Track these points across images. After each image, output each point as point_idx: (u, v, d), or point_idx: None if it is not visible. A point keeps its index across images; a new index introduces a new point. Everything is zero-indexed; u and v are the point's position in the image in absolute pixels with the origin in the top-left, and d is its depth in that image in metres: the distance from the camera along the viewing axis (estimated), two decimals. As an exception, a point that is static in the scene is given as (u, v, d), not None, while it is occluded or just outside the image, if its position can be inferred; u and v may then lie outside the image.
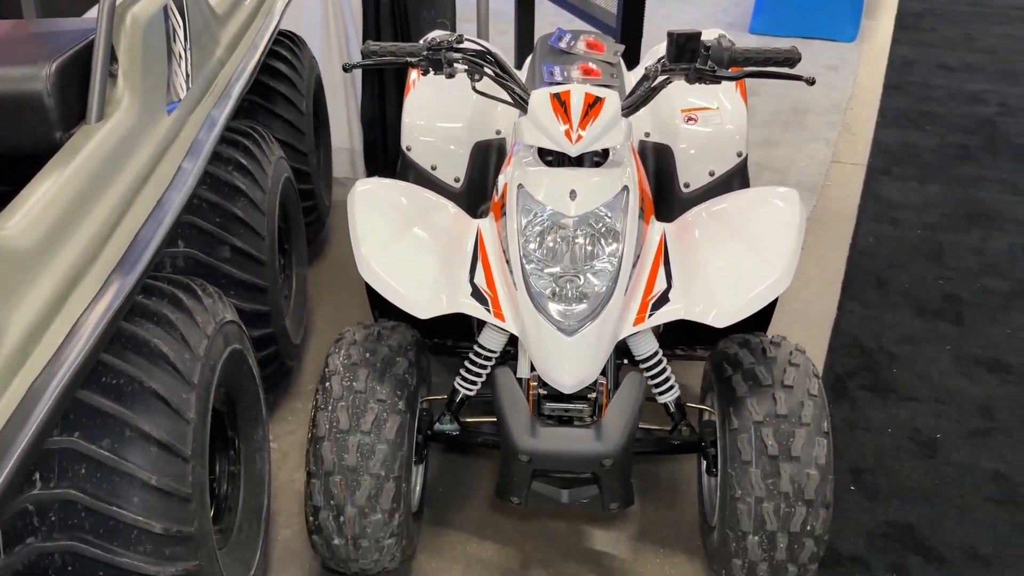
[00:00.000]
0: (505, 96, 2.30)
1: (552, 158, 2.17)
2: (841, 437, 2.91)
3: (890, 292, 3.70)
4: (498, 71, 2.27)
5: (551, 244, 2.06)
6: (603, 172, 2.11)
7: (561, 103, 2.10)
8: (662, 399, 2.29)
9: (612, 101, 2.11)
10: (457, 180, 3.05)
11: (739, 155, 2.99)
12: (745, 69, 2.17)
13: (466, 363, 2.32)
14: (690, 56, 2.15)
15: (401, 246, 2.15)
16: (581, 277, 2.04)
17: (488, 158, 3.09)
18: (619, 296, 2.04)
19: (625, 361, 2.40)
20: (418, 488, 2.45)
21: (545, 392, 2.04)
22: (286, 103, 3.43)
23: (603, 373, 2.09)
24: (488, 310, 2.10)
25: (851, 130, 5.23)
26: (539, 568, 2.46)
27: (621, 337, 2.07)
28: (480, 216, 3.08)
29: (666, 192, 3.04)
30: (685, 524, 2.58)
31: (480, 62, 2.25)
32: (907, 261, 3.92)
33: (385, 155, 4.28)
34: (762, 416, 2.10)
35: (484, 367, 2.30)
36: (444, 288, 2.10)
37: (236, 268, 2.62)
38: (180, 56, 2.33)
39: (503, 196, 2.23)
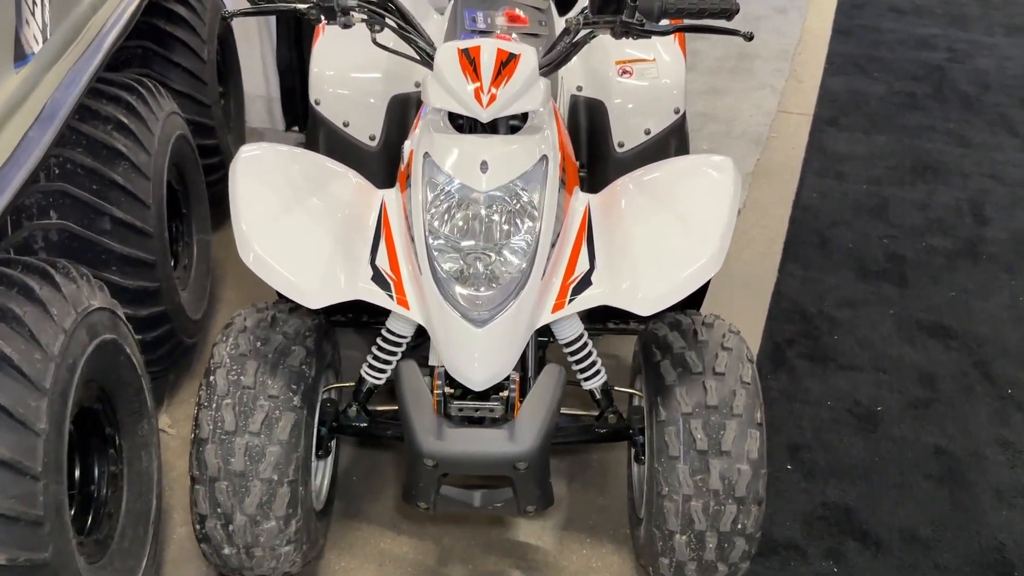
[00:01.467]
0: (410, 51, 2.05)
1: (463, 123, 1.93)
2: (778, 410, 2.78)
3: (833, 252, 3.56)
4: (400, 22, 2.01)
5: (460, 222, 1.84)
6: (519, 140, 1.89)
7: (470, 60, 1.86)
8: (587, 385, 2.11)
9: (528, 59, 1.87)
10: (373, 138, 2.79)
11: (676, 112, 2.78)
12: (677, 23, 1.94)
13: (374, 349, 2.11)
14: (616, 7, 1.92)
15: (290, 223, 1.90)
16: (492, 257, 1.83)
17: (407, 114, 2.83)
18: (536, 280, 1.83)
19: (549, 339, 2.20)
20: (324, 484, 2.26)
21: (453, 389, 1.84)
22: (184, 49, 3.12)
23: (519, 365, 1.90)
24: (391, 296, 1.88)
25: (798, 77, 5.04)
26: (458, 564, 2.29)
27: (539, 326, 1.87)
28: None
29: (600, 152, 2.82)
30: (614, 511, 2.43)
31: (380, 11, 1.99)
32: (851, 218, 3.78)
33: (304, 104, 3.97)
34: (691, 407, 1.93)
35: (394, 354, 2.09)
36: (340, 272, 1.87)
37: (118, 242, 2.36)
38: (34, 2, 2.02)
39: (408, 165, 2.00)
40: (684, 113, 2.81)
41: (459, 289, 1.80)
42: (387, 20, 2.01)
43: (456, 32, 2.65)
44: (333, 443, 2.25)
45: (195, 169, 2.91)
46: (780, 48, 5.36)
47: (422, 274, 1.83)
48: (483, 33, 2.62)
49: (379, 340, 2.09)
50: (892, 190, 3.98)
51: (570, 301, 1.87)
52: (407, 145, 2.09)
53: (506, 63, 1.86)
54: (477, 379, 1.78)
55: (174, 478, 2.50)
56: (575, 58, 2.96)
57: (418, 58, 2.02)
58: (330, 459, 2.28)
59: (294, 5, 1.99)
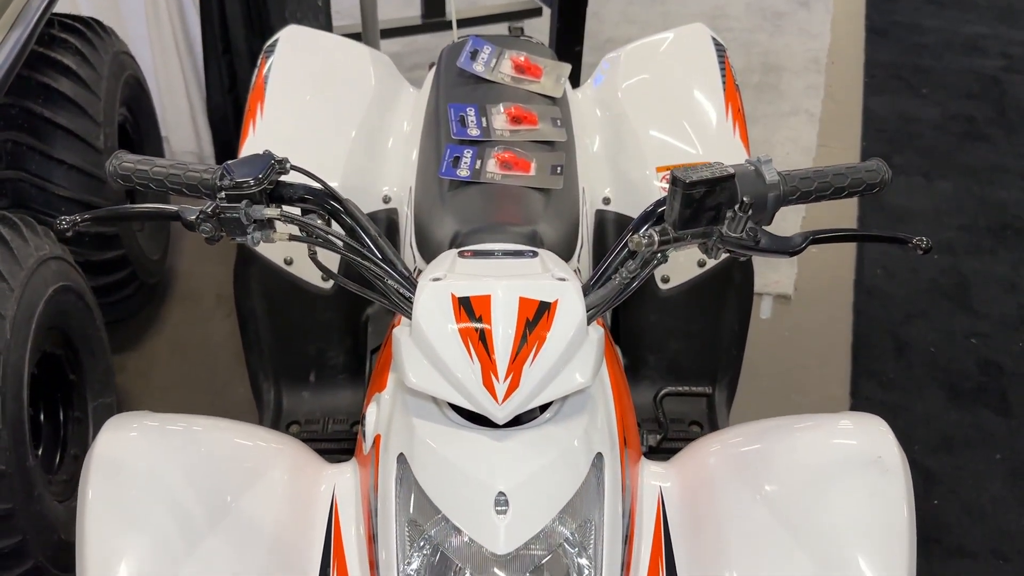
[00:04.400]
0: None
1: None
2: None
3: (913, 363, 2.86)
4: (354, 242, 1.24)
5: (461, 592, 1.10)
6: (555, 438, 1.14)
7: (474, 318, 1.10)
8: None
9: (570, 305, 1.12)
10: (325, 279, 2.03)
11: (741, 237, 2.04)
12: (811, 234, 1.19)
13: None
14: (712, 216, 1.16)
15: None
16: None
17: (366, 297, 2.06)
18: None
19: None
20: None
21: None
22: (70, 141, 2.32)
23: None
24: None
25: (835, 97, 4.28)
26: None
27: None
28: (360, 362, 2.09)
29: (638, 289, 2.08)
30: None
31: (314, 224, 1.22)
32: (927, 307, 3.07)
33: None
34: None
35: None
36: None
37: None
38: None
39: (374, 454, 1.24)
40: (751, 237, 2.07)
41: None
42: (332, 237, 1.24)
43: (439, 140, 1.88)
44: None
45: (86, 321, 2.13)
46: (810, 55, 4.58)
47: None
48: (476, 143, 1.85)
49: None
50: (970, 262, 3.27)
51: None
52: (370, 416, 1.32)
53: (534, 321, 1.10)
54: None
55: None
56: (597, 149, 2.20)
57: (385, 300, 1.25)
58: None
59: (172, 208, 1.22)
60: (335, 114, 2.03)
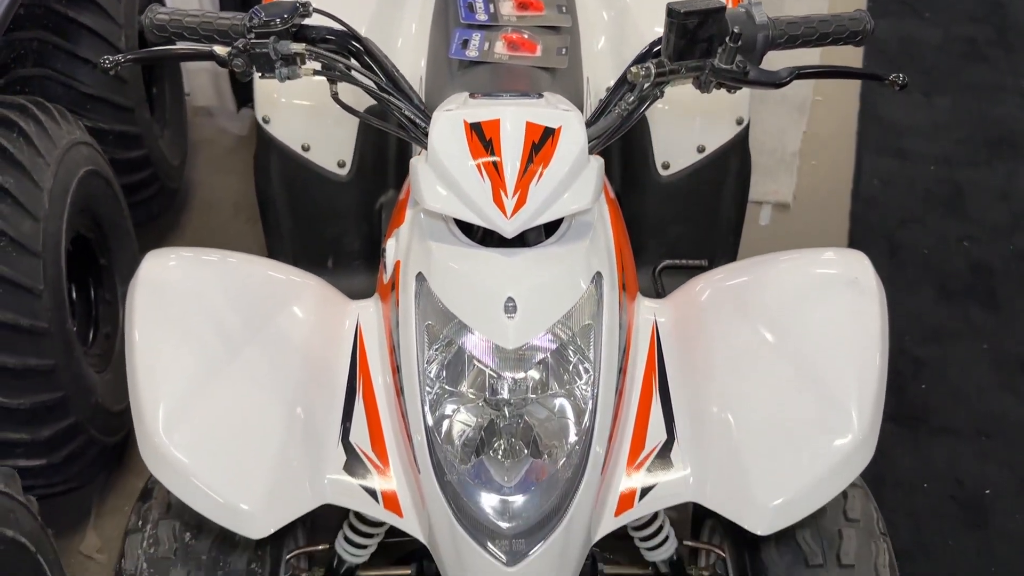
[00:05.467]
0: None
1: (476, 227, 1.29)
2: (865, 499, 2.23)
3: (907, 263, 2.95)
4: (372, 74, 1.34)
5: (475, 391, 1.22)
6: (560, 255, 1.26)
7: (485, 142, 1.20)
8: (652, 557, 1.54)
9: (573, 133, 1.22)
10: (342, 165, 2.13)
11: (739, 122, 2.13)
12: (796, 69, 1.29)
13: (352, 518, 1.51)
14: (705, 49, 1.26)
15: (218, 396, 1.27)
16: (526, 434, 1.23)
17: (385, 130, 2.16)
18: (593, 474, 1.23)
19: None
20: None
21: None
22: (93, 39, 2.40)
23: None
24: (375, 496, 1.27)
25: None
26: None
27: (596, 540, 1.28)
28: (377, 229, 2.18)
29: (637, 175, 2.18)
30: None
31: (337, 58, 1.32)
32: (922, 214, 3.16)
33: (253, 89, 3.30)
34: (811, 622, 1.37)
35: (377, 527, 1.50)
36: (296, 467, 1.26)
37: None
38: None
39: (394, 280, 1.36)
40: (748, 123, 2.16)
41: (481, 500, 1.20)
42: (354, 72, 1.34)
43: (447, 25, 1.96)
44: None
45: (114, 207, 2.24)
46: (814, -18, 4.61)
47: (420, 471, 1.22)
48: (484, 28, 1.93)
49: (352, 516, 1.49)
50: (965, 173, 3.35)
51: (641, 495, 1.27)
52: (390, 247, 1.43)
53: (540, 144, 1.20)
54: None
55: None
56: (603, 45, 2.28)
57: (403, 132, 1.35)
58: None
59: (206, 47, 1.31)
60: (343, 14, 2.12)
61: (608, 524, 1.27)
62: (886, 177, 3.33)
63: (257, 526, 1.21)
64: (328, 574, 1.57)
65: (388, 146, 2.17)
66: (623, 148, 2.18)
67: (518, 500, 1.20)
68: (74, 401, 1.89)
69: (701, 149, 2.14)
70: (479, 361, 1.20)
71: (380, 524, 1.50)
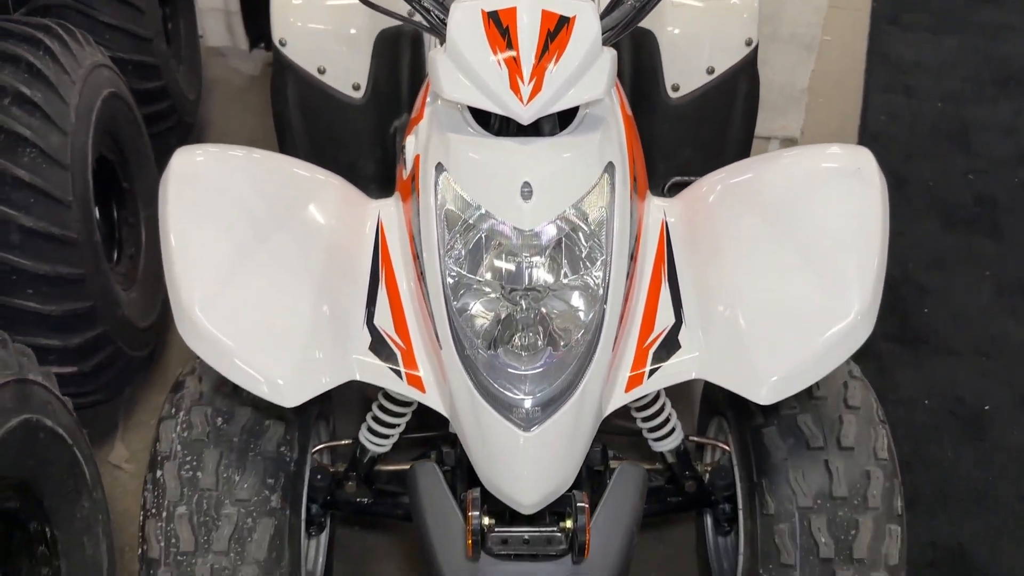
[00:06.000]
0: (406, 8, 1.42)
1: (492, 117, 1.34)
2: (867, 415, 2.29)
3: (912, 196, 2.99)
4: None
5: (492, 271, 1.28)
6: (574, 144, 1.31)
7: (502, 29, 1.25)
8: (659, 447, 1.61)
9: (587, 23, 1.27)
10: (357, 88, 2.18)
11: (748, 44, 2.17)
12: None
13: (375, 408, 1.59)
14: None
15: (249, 274, 1.34)
16: (542, 319, 1.29)
17: (399, 53, 2.21)
18: (606, 349, 1.29)
19: None
20: (319, 565, 1.78)
21: (491, 520, 1.32)
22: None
23: (583, 471, 1.38)
24: (398, 372, 1.34)
25: (848, -38, 4.31)
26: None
27: (608, 413, 1.34)
28: (392, 152, 2.24)
29: (647, 97, 2.22)
30: (682, 561, 1.98)
31: None
32: (928, 148, 3.19)
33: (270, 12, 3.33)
34: (811, 498, 1.44)
35: (400, 416, 1.58)
36: (324, 344, 1.32)
37: (31, 258, 1.80)
38: None
39: (414, 173, 1.42)
40: (757, 45, 2.20)
41: (496, 368, 1.26)
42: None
43: None
44: (326, 519, 1.76)
45: (135, 132, 2.30)
46: (824, -75, 4.59)
47: (441, 347, 1.29)
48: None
49: (381, 397, 1.57)
50: (972, 110, 3.37)
51: (650, 374, 1.34)
52: (410, 143, 1.49)
53: (555, 32, 1.25)
54: (526, 501, 1.27)
55: (134, 533, 2.02)
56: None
57: (423, 22, 1.40)
58: (325, 531, 1.80)
59: None
60: None
61: (619, 399, 1.34)
62: (893, 113, 3.35)
63: (289, 395, 1.28)
64: (350, 467, 1.65)
65: (402, 69, 2.22)
66: (633, 71, 2.22)
67: (534, 375, 1.27)
68: (102, 312, 1.96)
69: (711, 71, 2.17)
70: (497, 245, 1.26)
71: (402, 415, 1.58)
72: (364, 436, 1.61)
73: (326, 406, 1.75)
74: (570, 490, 1.31)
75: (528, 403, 1.25)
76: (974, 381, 2.40)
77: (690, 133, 2.25)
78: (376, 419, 1.58)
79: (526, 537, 1.30)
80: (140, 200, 2.34)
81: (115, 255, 2.24)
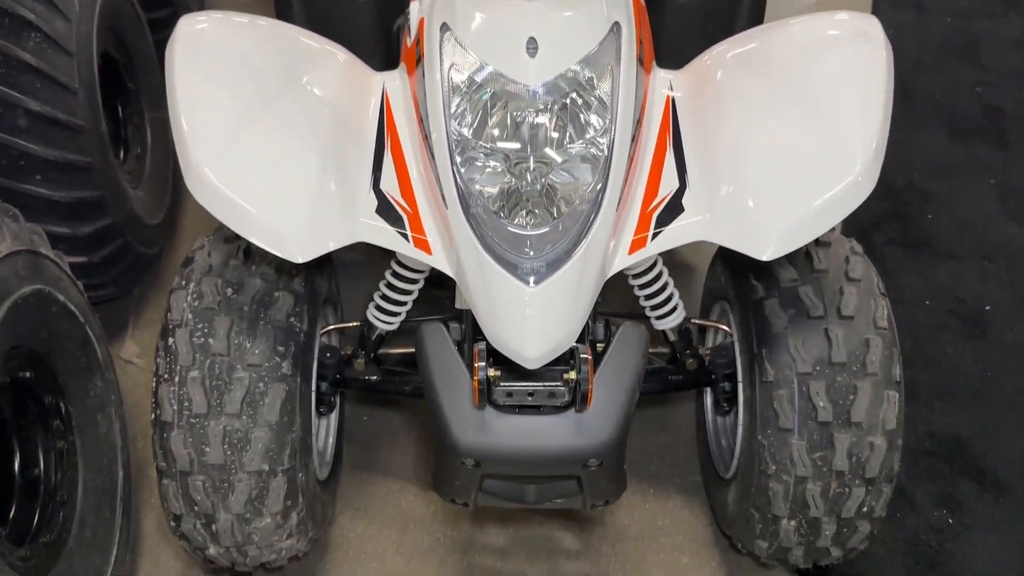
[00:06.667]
0: None
1: (495, -22, 1.34)
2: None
3: (918, 105, 2.98)
4: None
5: (498, 128, 1.29)
6: (580, 1, 1.31)
7: None
8: (661, 325, 1.64)
9: None
10: (360, -17, 2.16)
11: (755, -59, 2.14)
12: None
13: (382, 287, 1.61)
14: None
15: (257, 134, 1.35)
16: (548, 177, 1.30)
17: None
18: (610, 208, 1.31)
19: None
20: (329, 444, 1.82)
21: (496, 371, 1.35)
22: None
23: (587, 327, 1.40)
24: (405, 235, 1.36)
25: None
26: (495, 527, 1.90)
27: (612, 273, 1.36)
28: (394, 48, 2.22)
29: (653, -5, 2.20)
30: (680, 452, 2.02)
31: None
32: (937, 61, 3.16)
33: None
34: (810, 365, 1.46)
35: (408, 293, 1.60)
36: (332, 205, 1.34)
37: (38, 143, 1.81)
38: None
39: (418, 39, 1.42)
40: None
41: (502, 227, 1.28)
42: None
43: None
44: (336, 398, 1.80)
45: (139, 32, 2.29)
46: None
47: (448, 207, 1.30)
48: None
49: (388, 275, 1.59)
50: (982, 24, 3.33)
51: (654, 236, 1.35)
52: (414, 8, 1.49)
53: None
54: (530, 355, 1.29)
55: (146, 423, 2.06)
56: None
57: None
58: (335, 413, 1.84)
59: None
60: None
61: (622, 261, 1.35)
62: (902, 28, 3.31)
63: (298, 251, 1.30)
64: (359, 347, 1.68)
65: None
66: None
67: (538, 235, 1.28)
68: (110, 203, 1.97)
69: None
70: (503, 105, 1.26)
71: (409, 291, 1.60)
72: (372, 314, 1.64)
73: (332, 289, 1.78)
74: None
75: (533, 261, 1.27)
76: (975, 283, 2.41)
77: (695, 33, 2.22)
78: (384, 297, 1.61)
79: (530, 390, 1.33)
80: (145, 101, 2.34)
81: (122, 153, 2.25)
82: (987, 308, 2.35)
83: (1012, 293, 2.39)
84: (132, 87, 2.30)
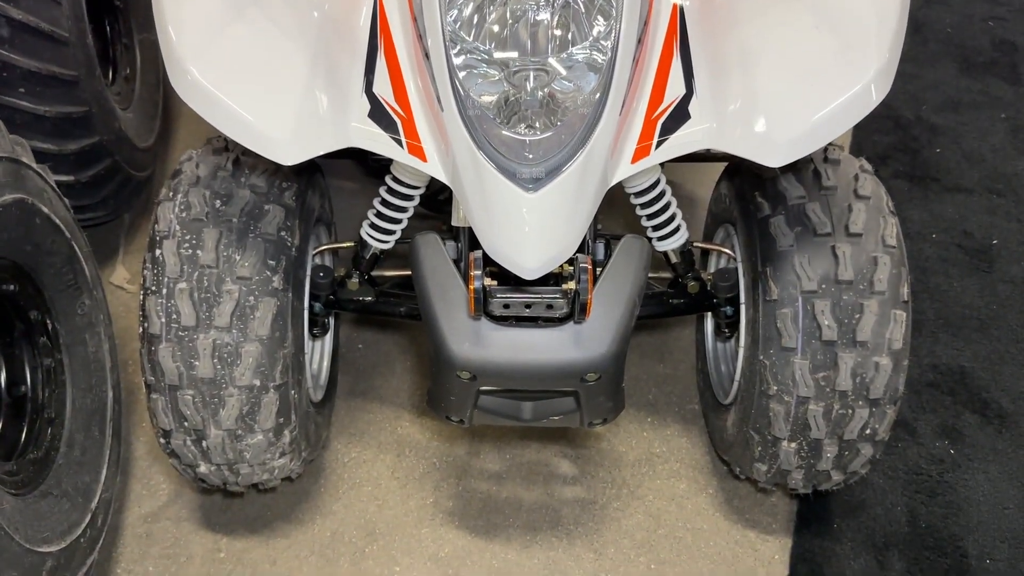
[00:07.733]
0: None
1: None
2: (873, 247, 2.27)
3: (929, 39, 2.90)
4: None
5: (496, 26, 1.23)
6: None
7: None
8: (662, 246, 1.59)
9: None
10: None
11: None
12: None
13: (376, 203, 1.56)
14: None
15: (244, 31, 1.29)
16: (549, 78, 1.25)
17: None
18: (612, 114, 1.25)
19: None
20: (324, 367, 1.79)
21: (494, 281, 1.31)
22: None
23: (588, 236, 1.36)
24: (399, 141, 1.30)
25: None
26: (491, 453, 1.88)
27: (614, 183, 1.31)
28: None
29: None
30: (678, 381, 2.00)
31: None
32: (949, -7, 3.08)
33: None
34: (816, 283, 1.42)
35: (403, 210, 1.55)
36: (322, 106, 1.28)
37: (23, 54, 1.75)
38: None
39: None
40: None
41: (500, 131, 1.23)
42: None
43: None
44: (330, 319, 1.76)
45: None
46: None
47: (443, 109, 1.25)
48: None
49: (383, 192, 1.54)
50: (996, -45, 3.24)
51: (658, 144, 1.30)
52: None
53: None
54: (529, 265, 1.25)
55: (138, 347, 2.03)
56: None
57: None
58: (329, 336, 1.80)
59: None
60: None
61: (625, 169, 1.30)
62: (914, -40, 3.23)
63: (286, 153, 1.25)
64: (349, 271, 1.64)
65: None
66: None
67: (537, 140, 1.23)
68: (98, 120, 1.92)
69: None
70: (502, 2, 1.20)
71: (404, 209, 1.55)
72: (366, 232, 1.59)
73: (325, 207, 1.73)
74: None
75: (532, 167, 1.22)
76: (983, 217, 2.37)
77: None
78: (379, 214, 1.56)
79: (528, 301, 1.29)
80: (134, 21, 2.27)
81: (111, 73, 2.18)
82: (994, 242, 2.31)
83: (1020, 227, 2.35)
84: (120, 4, 2.23)
